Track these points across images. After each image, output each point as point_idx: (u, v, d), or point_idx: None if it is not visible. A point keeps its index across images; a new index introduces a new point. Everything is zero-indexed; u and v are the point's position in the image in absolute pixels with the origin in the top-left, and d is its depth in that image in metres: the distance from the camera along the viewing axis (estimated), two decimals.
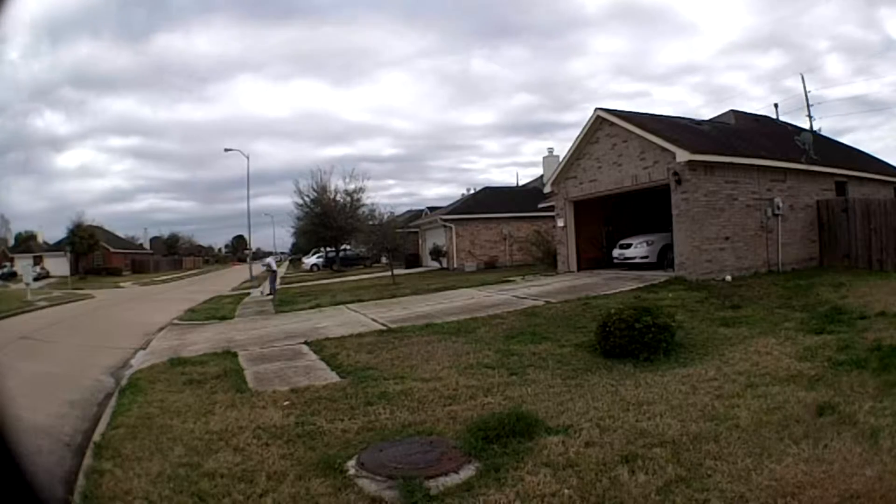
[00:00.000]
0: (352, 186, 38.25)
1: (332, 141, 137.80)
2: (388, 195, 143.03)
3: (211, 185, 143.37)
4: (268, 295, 19.23)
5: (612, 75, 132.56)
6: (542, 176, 26.37)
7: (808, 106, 27.41)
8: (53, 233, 57.51)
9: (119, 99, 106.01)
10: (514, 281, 15.96)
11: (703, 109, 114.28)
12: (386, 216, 28.53)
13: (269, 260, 23.07)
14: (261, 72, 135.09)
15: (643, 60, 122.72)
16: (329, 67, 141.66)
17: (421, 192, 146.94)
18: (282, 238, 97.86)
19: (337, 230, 37.05)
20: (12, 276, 43.04)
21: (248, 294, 21.05)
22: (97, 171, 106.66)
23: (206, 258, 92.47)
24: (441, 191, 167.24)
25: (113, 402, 5.89)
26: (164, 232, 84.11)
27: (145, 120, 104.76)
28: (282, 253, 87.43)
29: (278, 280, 22.98)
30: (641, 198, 16.32)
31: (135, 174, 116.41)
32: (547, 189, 18.64)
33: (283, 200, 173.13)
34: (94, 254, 50.23)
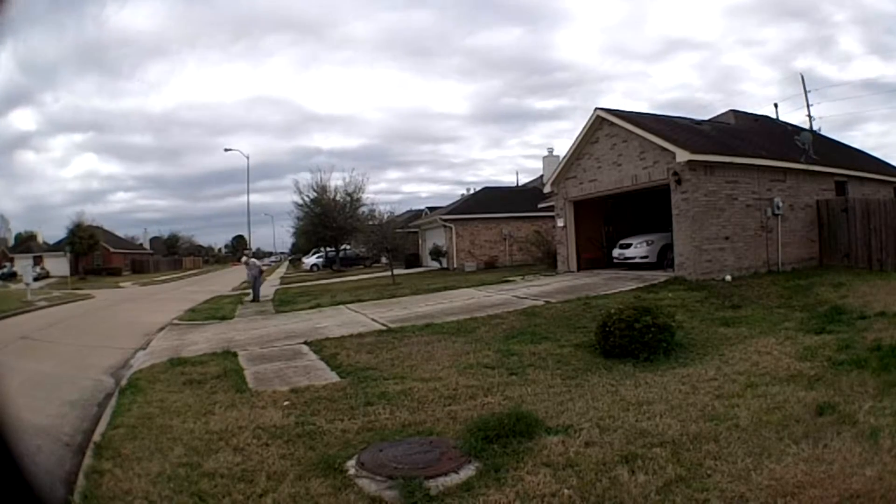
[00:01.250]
0: (352, 186, 38.31)
1: (308, 136, 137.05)
2: (372, 190, 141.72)
3: (189, 181, 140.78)
4: (251, 300, 18.47)
5: (602, 56, 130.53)
6: (541, 176, 26.37)
7: (807, 106, 27.44)
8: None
9: (79, 96, 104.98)
10: (513, 281, 15.96)
11: (704, 94, 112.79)
12: (386, 216, 28.53)
13: (254, 262, 22.64)
14: (225, 65, 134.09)
15: (639, 33, 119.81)
16: (293, 59, 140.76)
17: (404, 188, 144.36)
18: (282, 238, 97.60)
19: (337, 230, 36.99)
20: (12, 276, 43.05)
21: (248, 294, 21.03)
22: (69, 170, 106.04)
23: (206, 258, 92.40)
24: (432, 188, 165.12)
25: (113, 402, 5.89)
26: (164, 232, 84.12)
27: (110, 115, 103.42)
28: (281, 253, 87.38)
29: (279, 281, 22.58)
30: (641, 198, 16.33)
31: (105, 173, 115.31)
32: (547, 189, 18.65)
33: (264, 198, 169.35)
34: (93, 254, 50.26)
